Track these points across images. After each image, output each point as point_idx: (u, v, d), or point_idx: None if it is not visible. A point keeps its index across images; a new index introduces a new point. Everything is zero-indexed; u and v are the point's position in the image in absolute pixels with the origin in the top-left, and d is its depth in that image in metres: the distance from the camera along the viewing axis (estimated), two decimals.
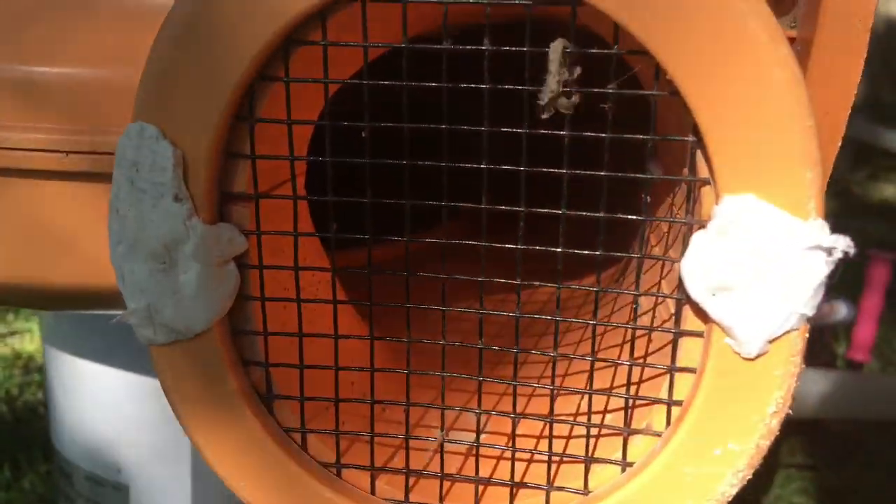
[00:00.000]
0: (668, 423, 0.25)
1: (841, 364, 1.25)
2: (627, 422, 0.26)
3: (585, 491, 0.26)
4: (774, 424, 0.24)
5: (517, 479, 0.27)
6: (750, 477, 0.24)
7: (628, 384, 0.26)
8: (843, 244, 0.22)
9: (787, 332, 0.23)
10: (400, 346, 0.27)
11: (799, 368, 0.23)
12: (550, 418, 0.27)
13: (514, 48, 0.24)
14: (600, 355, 0.28)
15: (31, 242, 0.33)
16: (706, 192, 0.24)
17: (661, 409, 0.26)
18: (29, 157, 0.31)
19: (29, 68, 0.31)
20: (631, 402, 0.26)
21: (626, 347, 0.30)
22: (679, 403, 0.25)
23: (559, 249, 0.25)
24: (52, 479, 0.81)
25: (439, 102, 0.24)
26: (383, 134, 0.25)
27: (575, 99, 0.23)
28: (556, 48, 0.23)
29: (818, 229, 0.22)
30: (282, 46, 0.24)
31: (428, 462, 0.29)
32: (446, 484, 0.28)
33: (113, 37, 0.32)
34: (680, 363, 0.25)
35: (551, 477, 0.27)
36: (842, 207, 1.86)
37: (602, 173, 0.24)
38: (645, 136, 0.24)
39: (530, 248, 0.25)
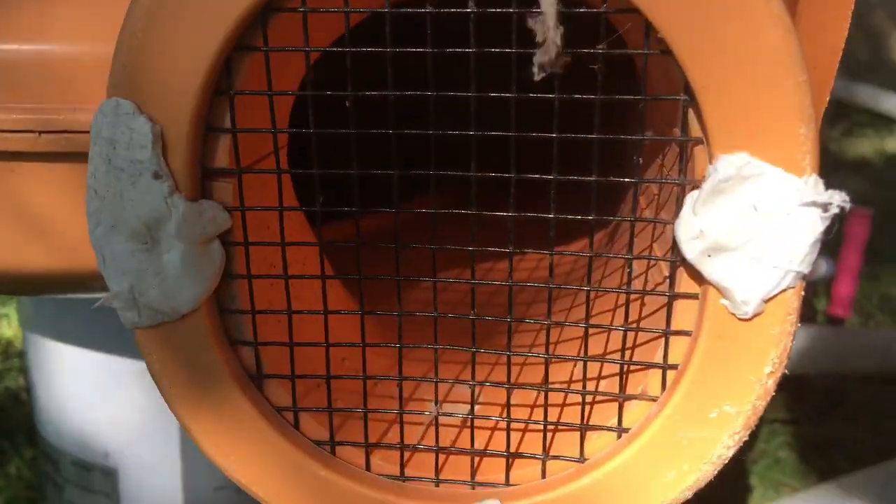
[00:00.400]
0: (664, 387, 0.25)
1: (821, 319, 1.27)
2: (622, 387, 0.26)
3: (581, 458, 0.26)
4: (770, 384, 0.24)
5: (513, 449, 0.27)
6: (746, 438, 0.24)
7: (623, 350, 0.26)
8: (838, 199, 0.22)
9: (783, 290, 0.23)
10: (390, 320, 0.27)
11: (795, 327, 0.23)
12: (545, 387, 0.26)
13: (500, 9, 0.23)
14: (593, 321, 0.27)
15: (4, 226, 0.32)
16: (699, 151, 0.23)
17: (657, 374, 0.25)
18: (1, 139, 0.30)
19: None
20: (625, 367, 0.26)
21: (619, 312, 0.30)
22: (674, 367, 0.25)
23: (551, 216, 0.25)
24: (37, 464, 0.80)
25: (424, 70, 0.24)
26: (367, 103, 0.24)
27: (566, 59, 0.23)
28: (548, 10, 0.22)
29: (813, 185, 0.22)
30: (259, 14, 0.23)
31: (422, 436, 0.28)
32: (442, 457, 0.28)
33: (84, 10, 0.30)
34: (675, 326, 0.25)
35: (547, 446, 0.27)
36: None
37: (593, 136, 0.24)
38: (636, 97, 0.23)
39: (522, 215, 0.25)
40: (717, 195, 0.22)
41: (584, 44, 0.23)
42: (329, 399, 0.27)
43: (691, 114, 0.23)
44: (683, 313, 0.25)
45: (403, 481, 0.27)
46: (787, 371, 0.24)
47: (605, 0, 0.22)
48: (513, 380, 0.27)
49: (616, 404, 0.26)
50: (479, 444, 0.28)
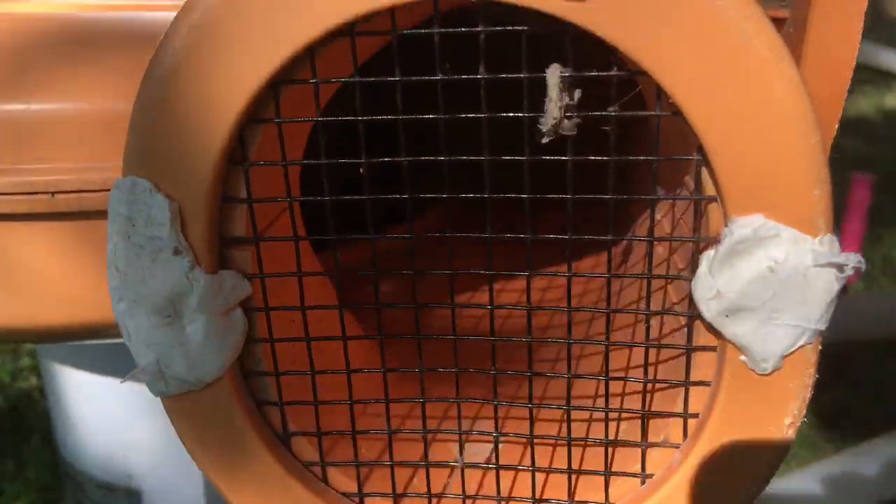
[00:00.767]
0: (686, 435, 0.26)
1: None
2: (644, 435, 0.26)
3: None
4: (791, 434, 0.24)
5: (538, 494, 0.28)
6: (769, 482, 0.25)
7: (643, 397, 0.27)
8: (853, 260, 0.22)
9: (802, 346, 0.23)
10: (411, 350, 0.27)
11: (813, 379, 0.24)
12: (568, 438, 0.27)
13: (511, 75, 0.23)
14: (612, 348, 0.28)
15: (12, 285, 0.32)
16: (713, 207, 0.23)
17: (678, 421, 0.26)
18: (13, 202, 0.30)
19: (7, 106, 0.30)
20: (646, 416, 0.26)
21: (635, 355, 0.30)
22: (695, 416, 0.25)
23: (568, 236, 0.24)
24: (56, 467, 0.81)
25: (433, 94, 0.23)
26: (376, 130, 0.24)
27: (576, 121, 0.23)
28: (552, 74, 0.22)
29: (829, 245, 0.22)
30: (271, 87, 0.23)
31: (448, 482, 0.29)
32: (469, 502, 0.28)
33: (96, 70, 0.30)
34: (694, 374, 0.25)
35: (572, 491, 0.27)
36: None
37: (607, 196, 0.24)
38: (649, 158, 0.24)
39: (539, 237, 0.24)
40: (733, 256, 0.22)
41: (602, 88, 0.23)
42: (356, 452, 0.28)
43: (705, 172, 0.23)
44: (703, 362, 0.25)
45: None
46: None
47: (616, 65, 0.22)
48: (535, 423, 0.28)
49: (639, 449, 0.26)
50: (503, 486, 0.28)
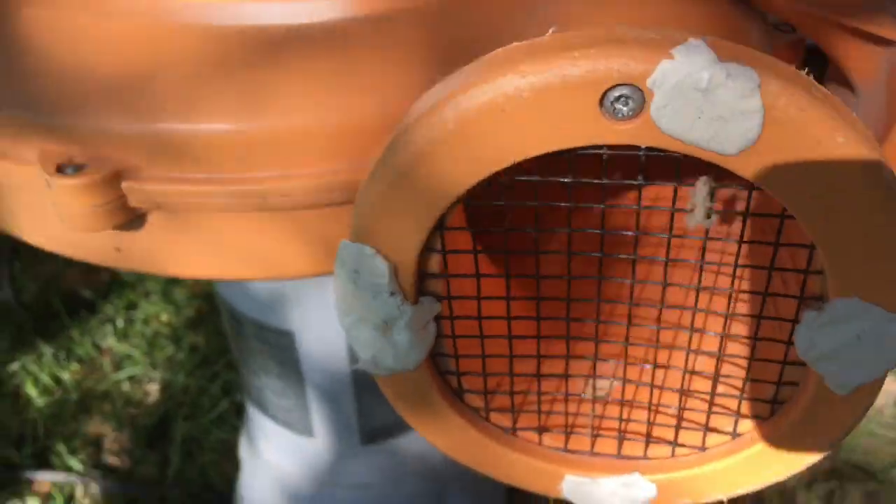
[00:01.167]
0: (772, 413, 0.34)
1: None
2: (738, 410, 0.35)
3: (703, 447, 0.36)
4: (843, 439, 0.32)
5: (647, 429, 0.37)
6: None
7: (745, 382, 0.34)
8: None
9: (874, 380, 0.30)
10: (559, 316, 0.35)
11: (876, 396, 0.31)
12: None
13: (662, 182, 0.28)
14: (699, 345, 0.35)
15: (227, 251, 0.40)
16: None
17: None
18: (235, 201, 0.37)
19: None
20: (745, 392, 0.34)
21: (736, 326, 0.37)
22: (782, 403, 0.33)
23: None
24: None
25: None
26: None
27: (714, 219, 0.28)
28: (703, 186, 0.28)
29: None
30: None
31: (577, 414, 0.38)
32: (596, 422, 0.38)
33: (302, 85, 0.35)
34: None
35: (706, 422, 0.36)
36: None
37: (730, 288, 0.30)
38: (770, 242, 0.29)
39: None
40: (829, 325, 0.29)
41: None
42: (512, 401, 0.36)
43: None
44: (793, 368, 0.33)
45: (566, 453, 0.38)
46: None
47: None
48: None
49: (731, 418, 0.35)
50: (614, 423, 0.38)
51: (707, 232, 0.29)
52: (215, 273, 0.41)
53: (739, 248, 0.29)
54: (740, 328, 0.39)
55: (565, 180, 0.29)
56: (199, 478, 0.96)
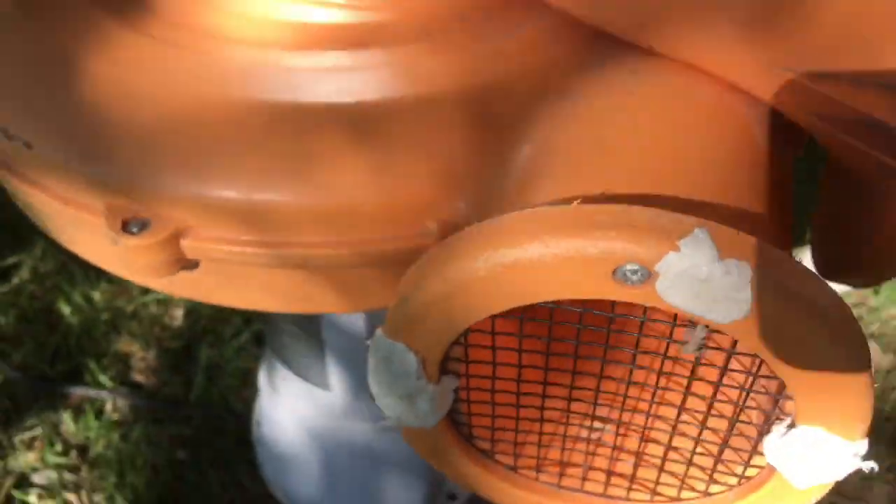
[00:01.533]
0: (740, 483, 0.39)
1: None
2: (712, 473, 0.40)
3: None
4: None
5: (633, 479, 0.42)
6: None
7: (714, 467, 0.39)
8: (868, 466, 0.33)
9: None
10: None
11: (830, 486, 0.36)
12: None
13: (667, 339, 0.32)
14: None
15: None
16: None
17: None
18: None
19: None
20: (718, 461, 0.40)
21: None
22: (749, 479, 0.38)
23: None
24: None
25: None
26: None
27: (703, 350, 0.32)
28: (700, 331, 0.32)
29: (862, 446, 0.33)
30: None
31: (569, 455, 0.43)
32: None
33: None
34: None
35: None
36: None
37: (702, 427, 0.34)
38: (742, 388, 0.33)
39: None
40: (794, 446, 0.34)
41: None
42: (515, 445, 0.42)
43: None
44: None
45: (559, 489, 0.43)
46: None
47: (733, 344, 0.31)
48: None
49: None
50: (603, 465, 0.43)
51: (698, 359, 0.33)
52: (255, 306, 0.45)
53: (722, 376, 0.34)
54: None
55: (576, 310, 0.33)
56: (220, 401, 1.04)
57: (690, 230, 0.28)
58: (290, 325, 0.74)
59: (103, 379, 1.06)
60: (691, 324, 0.32)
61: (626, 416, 0.45)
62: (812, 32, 0.36)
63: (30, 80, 0.43)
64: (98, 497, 0.99)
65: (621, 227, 0.28)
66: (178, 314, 1.11)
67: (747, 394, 0.35)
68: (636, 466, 0.43)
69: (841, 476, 0.34)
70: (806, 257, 0.42)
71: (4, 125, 0.42)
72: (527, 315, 0.36)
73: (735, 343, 0.32)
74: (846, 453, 0.33)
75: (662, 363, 0.36)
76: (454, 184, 0.40)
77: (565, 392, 0.39)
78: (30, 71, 0.43)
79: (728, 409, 0.43)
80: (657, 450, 0.43)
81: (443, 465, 0.42)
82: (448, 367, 0.37)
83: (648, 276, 0.29)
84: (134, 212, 0.40)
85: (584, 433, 0.44)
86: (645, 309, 0.34)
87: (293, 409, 0.87)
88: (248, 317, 1.10)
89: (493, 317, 0.39)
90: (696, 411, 0.41)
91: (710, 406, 0.38)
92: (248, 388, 1.04)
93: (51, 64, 0.43)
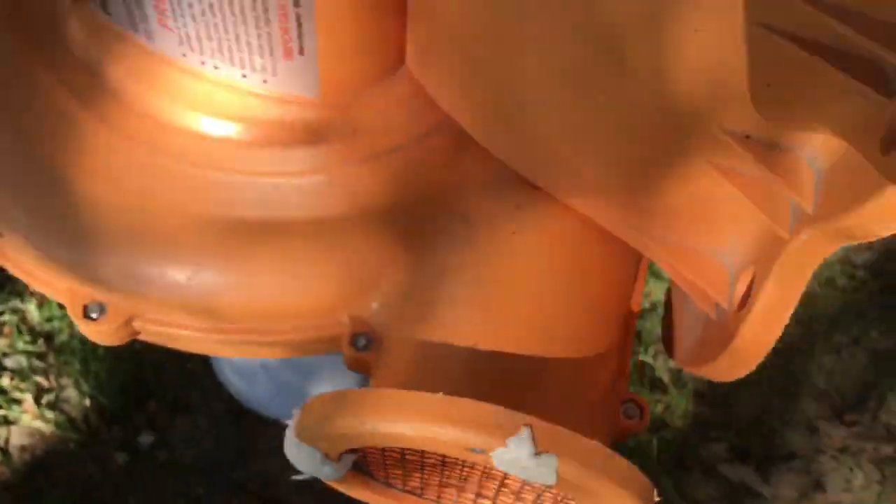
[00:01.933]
0: None
1: None
2: None
3: None
4: None
5: None
6: None
7: None
8: None
9: None
10: None
11: None
12: None
13: None
14: None
15: None
16: None
17: None
18: None
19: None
20: None
21: None
22: None
23: None
24: None
25: None
26: None
27: None
28: None
29: None
30: None
31: None
32: None
33: None
34: None
35: None
36: None
37: None
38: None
39: None
40: None
41: None
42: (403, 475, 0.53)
43: None
44: None
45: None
46: None
47: None
48: None
49: None
50: None
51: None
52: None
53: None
54: None
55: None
56: None
57: (517, 429, 0.37)
58: None
59: None
60: None
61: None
62: (651, 214, 0.43)
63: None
64: (65, 381, 1.11)
65: (467, 423, 0.37)
66: None
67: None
68: None
69: None
70: None
71: None
72: None
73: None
74: None
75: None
76: (367, 287, 0.48)
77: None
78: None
79: None
80: None
81: (349, 490, 0.53)
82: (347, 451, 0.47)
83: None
84: (92, 297, 0.48)
85: None
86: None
87: None
88: None
89: None
90: None
91: None
92: None
93: (14, 153, 0.49)
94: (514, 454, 0.37)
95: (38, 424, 1.01)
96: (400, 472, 0.50)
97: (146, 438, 1.09)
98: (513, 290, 0.46)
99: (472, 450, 0.38)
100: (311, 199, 0.47)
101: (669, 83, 0.36)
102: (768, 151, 0.35)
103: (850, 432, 1.11)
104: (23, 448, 1.07)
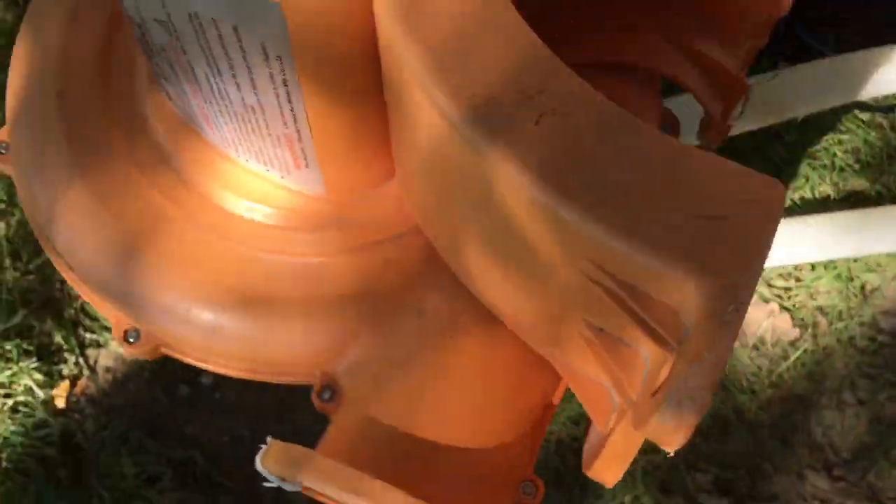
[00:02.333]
0: None
1: None
2: None
3: None
4: None
5: None
6: None
7: None
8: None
9: None
10: None
11: None
12: None
13: None
14: None
15: None
16: None
17: None
18: None
19: None
20: None
21: None
22: None
23: None
24: None
25: None
26: None
27: None
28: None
29: None
30: None
31: None
32: None
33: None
34: None
35: None
36: None
37: None
38: None
39: None
40: None
41: None
42: None
43: None
44: None
45: None
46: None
47: None
48: None
49: None
50: None
51: None
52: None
53: None
54: None
55: None
56: None
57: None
58: None
59: None
60: None
61: None
62: (552, 345, 0.54)
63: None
64: None
65: (377, 501, 0.50)
66: None
67: None
68: None
69: None
70: None
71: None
72: None
73: None
74: None
75: None
76: (336, 353, 0.61)
77: None
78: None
79: None
80: None
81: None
82: None
83: None
84: (132, 325, 0.63)
85: None
86: None
87: None
88: None
89: None
90: None
91: None
92: None
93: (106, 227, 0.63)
94: None
95: (122, 350, 1.20)
96: None
97: (207, 379, 1.27)
98: (447, 384, 0.57)
99: None
100: (305, 279, 0.60)
101: (543, 275, 0.46)
102: (614, 344, 0.45)
103: (835, 487, 1.18)
104: (107, 369, 1.27)
